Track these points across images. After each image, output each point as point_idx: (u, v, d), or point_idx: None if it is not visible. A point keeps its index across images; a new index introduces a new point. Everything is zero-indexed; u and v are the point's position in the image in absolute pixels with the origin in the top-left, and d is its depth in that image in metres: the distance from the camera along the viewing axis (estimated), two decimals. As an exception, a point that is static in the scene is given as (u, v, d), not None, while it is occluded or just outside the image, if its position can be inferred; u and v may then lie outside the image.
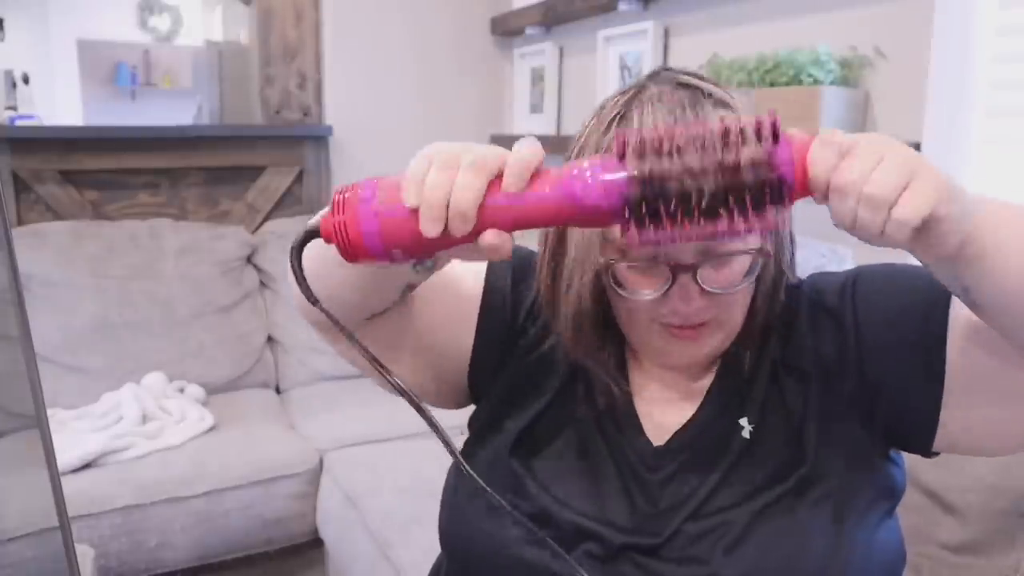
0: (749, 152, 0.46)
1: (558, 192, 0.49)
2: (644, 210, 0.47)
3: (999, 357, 0.58)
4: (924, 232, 0.46)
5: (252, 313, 2.23)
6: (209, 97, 4.13)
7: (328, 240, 0.52)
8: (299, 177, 2.53)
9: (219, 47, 4.08)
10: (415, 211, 0.49)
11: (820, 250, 1.39)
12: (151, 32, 6.56)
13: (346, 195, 0.51)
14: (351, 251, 0.51)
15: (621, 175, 0.48)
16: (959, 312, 0.60)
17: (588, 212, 0.49)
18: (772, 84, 1.51)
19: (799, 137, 0.48)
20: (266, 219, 2.48)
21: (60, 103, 5.73)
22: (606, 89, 2.18)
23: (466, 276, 0.74)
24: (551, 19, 2.38)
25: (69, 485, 1.26)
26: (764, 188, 0.46)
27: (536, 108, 2.58)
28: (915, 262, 0.55)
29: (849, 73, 1.47)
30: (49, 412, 1.82)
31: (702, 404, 0.68)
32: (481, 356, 0.74)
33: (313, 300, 0.54)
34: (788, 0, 1.64)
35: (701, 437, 0.67)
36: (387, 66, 2.61)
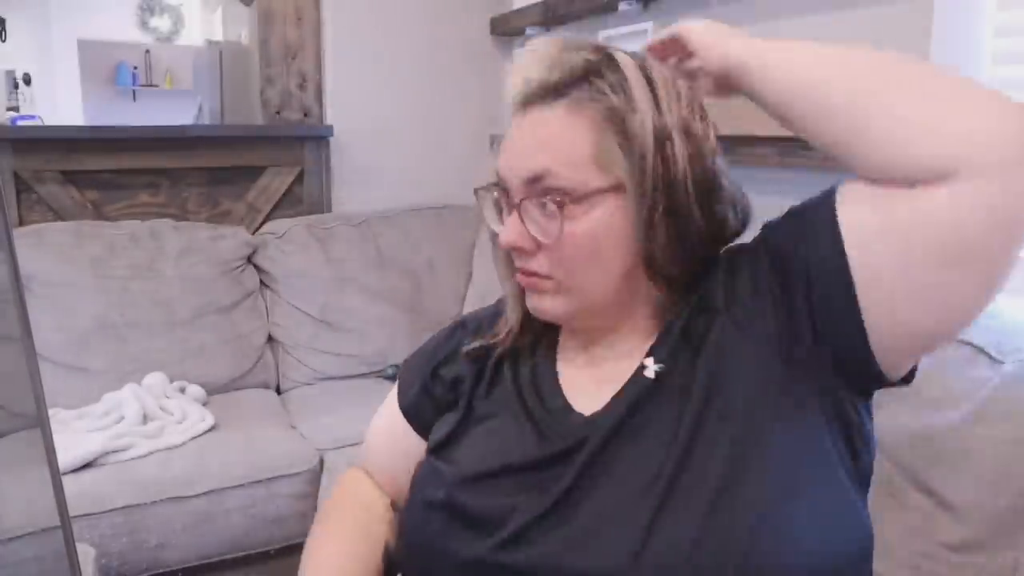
0: None
1: None
2: None
3: (899, 256, 0.57)
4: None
5: (252, 313, 2.23)
6: (209, 97, 4.13)
7: None
8: (299, 177, 2.54)
9: (220, 47, 4.09)
10: None
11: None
12: (152, 32, 6.57)
13: None
14: None
15: None
16: (849, 218, 0.60)
17: None
18: (772, 84, 1.51)
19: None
20: (266, 219, 2.49)
21: (61, 103, 5.74)
22: (606, 89, 2.18)
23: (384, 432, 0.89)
24: (551, 19, 2.38)
25: (70, 485, 1.26)
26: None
27: (536, 108, 2.58)
28: None
29: (849, 73, 1.47)
30: (50, 412, 1.82)
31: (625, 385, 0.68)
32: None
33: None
34: (788, 0, 1.65)
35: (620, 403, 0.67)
36: (387, 66, 2.61)
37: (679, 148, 0.64)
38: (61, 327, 1.98)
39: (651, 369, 0.66)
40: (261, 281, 2.30)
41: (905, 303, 0.58)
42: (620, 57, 0.67)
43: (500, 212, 0.72)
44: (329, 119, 2.56)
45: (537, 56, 0.66)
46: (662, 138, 0.64)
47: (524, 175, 0.66)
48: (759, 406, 0.61)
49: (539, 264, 0.67)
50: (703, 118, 0.68)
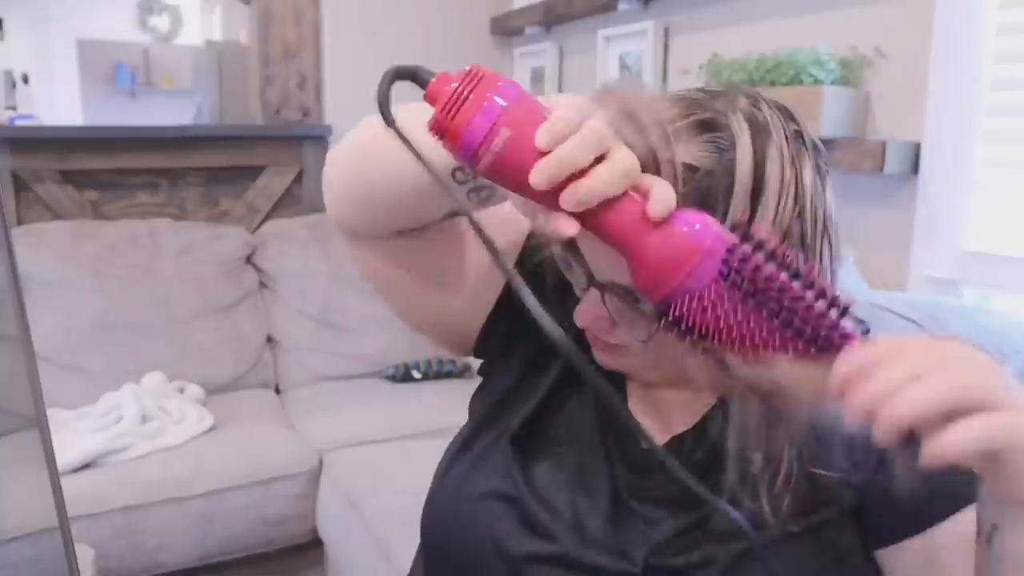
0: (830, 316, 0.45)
1: (663, 226, 0.46)
2: (733, 273, 0.45)
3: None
4: (995, 465, 0.41)
5: (252, 313, 2.23)
6: (209, 97, 4.13)
7: (431, 101, 0.47)
8: (299, 177, 2.53)
9: (219, 47, 4.08)
10: (538, 153, 0.44)
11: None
12: (151, 32, 6.56)
13: (483, 76, 0.46)
14: (446, 127, 0.46)
15: (724, 242, 0.46)
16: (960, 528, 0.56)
17: (677, 254, 0.46)
18: (772, 84, 1.51)
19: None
20: (266, 219, 2.48)
21: (60, 103, 5.73)
22: (606, 89, 2.18)
23: (506, 234, 0.70)
24: (551, 19, 2.38)
25: (69, 485, 1.26)
26: (819, 346, 0.45)
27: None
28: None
29: (849, 73, 1.47)
30: (49, 412, 1.81)
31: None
32: (498, 320, 0.71)
33: (390, 121, 0.48)
34: (788, 0, 1.64)
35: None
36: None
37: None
38: (60, 327, 1.98)
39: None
40: (260, 281, 2.30)
41: None
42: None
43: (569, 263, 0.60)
44: (328, 118, 2.56)
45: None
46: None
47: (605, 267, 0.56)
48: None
49: (620, 338, 0.59)
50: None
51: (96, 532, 1.55)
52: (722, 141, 0.52)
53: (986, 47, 1.30)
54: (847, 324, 0.45)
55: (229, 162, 2.44)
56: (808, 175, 0.54)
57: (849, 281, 1.37)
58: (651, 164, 0.50)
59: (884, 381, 0.40)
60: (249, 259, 2.29)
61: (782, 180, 0.52)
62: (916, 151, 1.39)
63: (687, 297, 0.46)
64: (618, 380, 0.67)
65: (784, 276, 0.45)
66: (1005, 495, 0.43)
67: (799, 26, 1.62)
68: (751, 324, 0.46)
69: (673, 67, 1.98)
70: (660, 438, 0.64)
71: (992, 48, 1.30)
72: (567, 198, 0.44)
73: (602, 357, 0.63)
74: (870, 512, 0.60)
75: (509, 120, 0.45)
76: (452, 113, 0.45)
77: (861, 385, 0.41)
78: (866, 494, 0.60)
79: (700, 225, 0.47)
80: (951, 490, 0.57)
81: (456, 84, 0.46)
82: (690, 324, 0.46)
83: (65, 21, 5.87)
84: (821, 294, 0.46)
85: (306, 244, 2.31)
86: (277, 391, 2.23)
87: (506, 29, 2.65)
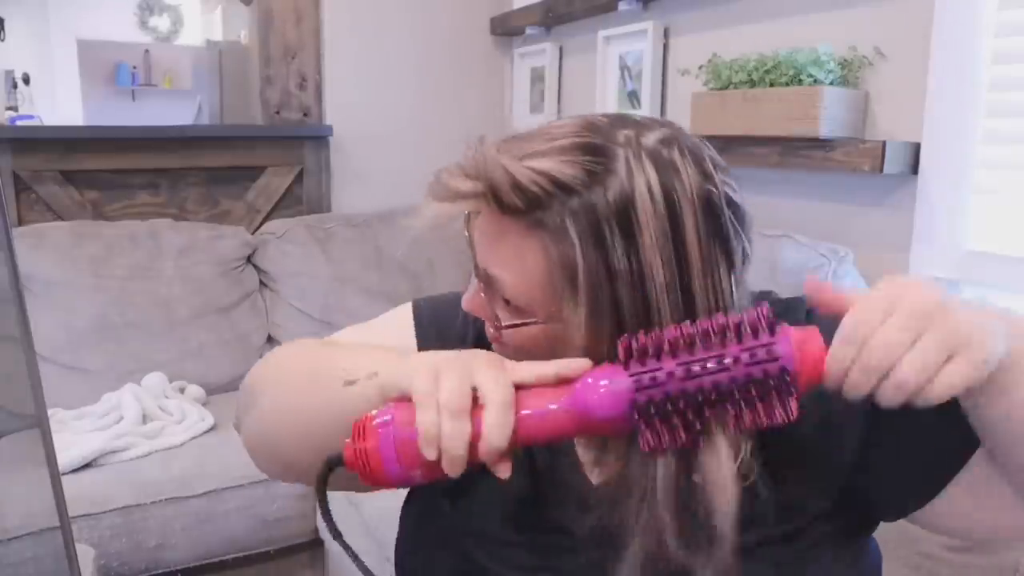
0: (748, 347, 0.48)
1: (569, 409, 0.52)
2: (653, 412, 0.50)
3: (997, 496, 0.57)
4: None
5: (252, 313, 2.23)
6: (209, 97, 4.14)
7: (351, 468, 0.54)
8: (299, 177, 2.53)
9: (219, 47, 4.09)
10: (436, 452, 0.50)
11: (820, 249, 1.39)
12: (151, 32, 6.56)
13: (367, 422, 0.53)
14: (372, 478, 0.53)
15: (626, 384, 0.50)
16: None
17: (600, 423, 0.51)
18: (772, 84, 1.51)
19: (795, 331, 0.49)
20: (266, 219, 2.48)
21: (60, 103, 5.73)
22: (606, 89, 2.18)
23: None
24: (551, 19, 2.38)
25: (69, 485, 1.26)
26: (768, 382, 0.48)
27: (536, 108, 2.58)
28: None
29: (849, 73, 1.47)
30: (49, 412, 1.81)
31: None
32: None
33: (335, 534, 0.59)
34: (788, 0, 1.64)
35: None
36: (387, 66, 2.61)
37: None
38: (61, 327, 1.98)
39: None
40: (261, 281, 2.30)
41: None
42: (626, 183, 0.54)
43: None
44: (329, 119, 2.56)
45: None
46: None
47: (482, 265, 0.60)
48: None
49: (491, 328, 0.63)
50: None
51: (96, 531, 1.55)
52: (596, 166, 0.54)
53: (985, 48, 1.31)
54: (768, 340, 0.49)
55: (229, 162, 2.44)
56: (685, 192, 0.54)
57: (849, 281, 1.37)
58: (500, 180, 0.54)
59: (878, 356, 0.45)
60: (249, 259, 2.29)
61: (653, 205, 0.53)
62: (916, 151, 1.39)
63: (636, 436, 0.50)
64: None
65: (690, 370, 0.49)
66: (981, 399, 0.49)
67: (799, 26, 1.62)
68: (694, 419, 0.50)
69: (673, 67, 1.98)
70: (603, 473, 0.65)
71: (991, 49, 1.30)
72: (486, 459, 0.50)
73: (496, 348, 0.64)
74: (874, 488, 0.60)
75: (400, 439, 0.51)
76: (366, 468, 0.53)
77: (858, 362, 0.46)
78: (863, 474, 0.60)
79: (596, 386, 0.51)
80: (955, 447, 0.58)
81: (354, 443, 0.53)
82: (657, 445, 0.51)
83: (65, 21, 5.87)
84: (733, 332, 0.49)
85: (306, 244, 2.31)
86: (277, 391, 2.23)
87: (506, 29, 2.65)
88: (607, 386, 0.50)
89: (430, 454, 0.50)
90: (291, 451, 0.65)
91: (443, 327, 0.73)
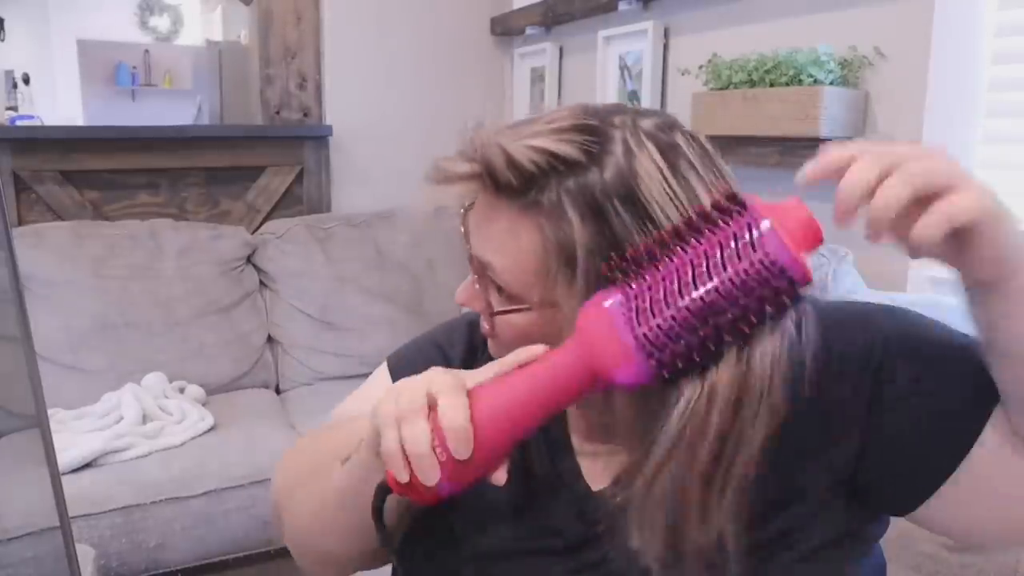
0: (744, 267, 0.46)
1: (547, 361, 0.51)
2: (671, 362, 0.48)
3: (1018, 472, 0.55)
4: (961, 245, 0.46)
5: (252, 313, 2.23)
6: (209, 97, 4.14)
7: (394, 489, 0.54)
8: (299, 177, 2.53)
9: (219, 47, 4.09)
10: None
11: (820, 249, 1.39)
12: (151, 32, 6.57)
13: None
14: (418, 495, 0.53)
15: (617, 299, 0.49)
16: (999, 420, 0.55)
17: (620, 381, 0.49)
18: (772, 84, 1.51)
19: (778, 207, 0.48)
20: (266, 219, 2.49)
21: (60, 103, 5.74)
22: (606, 89, 2.18)
23: None
24: (551, 19, 2.38)
25: (69, 485, 1.26)
26: (775, 294, 0.46)
27: (536, 108, 2.58)
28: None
29: (849, 73, 1.47)
30: (49, 412, 1.82)
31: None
32: None
33: (391, 547, 0.59)
34: (788, 0, 1.64)
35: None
36: (387, 66, 2.61)
37: None
38: (61, 327, 1.98)
39: None
40: (261, 281, 2.30)
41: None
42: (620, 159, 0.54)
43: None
44: (328, 119, 2.56)
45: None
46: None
47: (476, 253, 0.61)
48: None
49: (487, 322, 0.63)
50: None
51: (96, 531, 1.55)
52: (593, 146, 0.54)
53: (985, 48, 1.31)
54: (744, 217, 0.47)
55: (229, 162, 2.44)
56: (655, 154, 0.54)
57: (849, 281, 1.37)
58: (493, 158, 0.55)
59: (858, 177, 0.45)
60: (249, 259, 2.29)
61: (663, 178, 0.53)
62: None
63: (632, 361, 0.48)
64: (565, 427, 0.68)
65: (672, 268, 0.47)
66: (979, 276, 0.48)
67: (799, 26, 1.62)
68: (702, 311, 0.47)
69: (673, 67, 1.98)
70: (604, 479, 0.64)
71: (991, 49, 1.30)
72: (457, 454, 0.51)
73: (491, 346, 0.65)
74: (880, 471, 0.59)
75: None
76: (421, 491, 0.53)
77: (841, 184, 0.45)
78: (869, 452, 0.59)
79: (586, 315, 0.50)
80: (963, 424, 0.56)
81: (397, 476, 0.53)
82: (669, 367, 0.48)
83: (65, 21, 5.88)
84: (707, 223, 0.47)
85: (306, 244, 2.31)
86: (277, 391, 2.23)
87: (506, 29, 2.65)
88: (594, 310, 0.50)
89: (401, 476, 0.50)
90: (329, 546, 0.66)
91: (419, 367, 0.72)
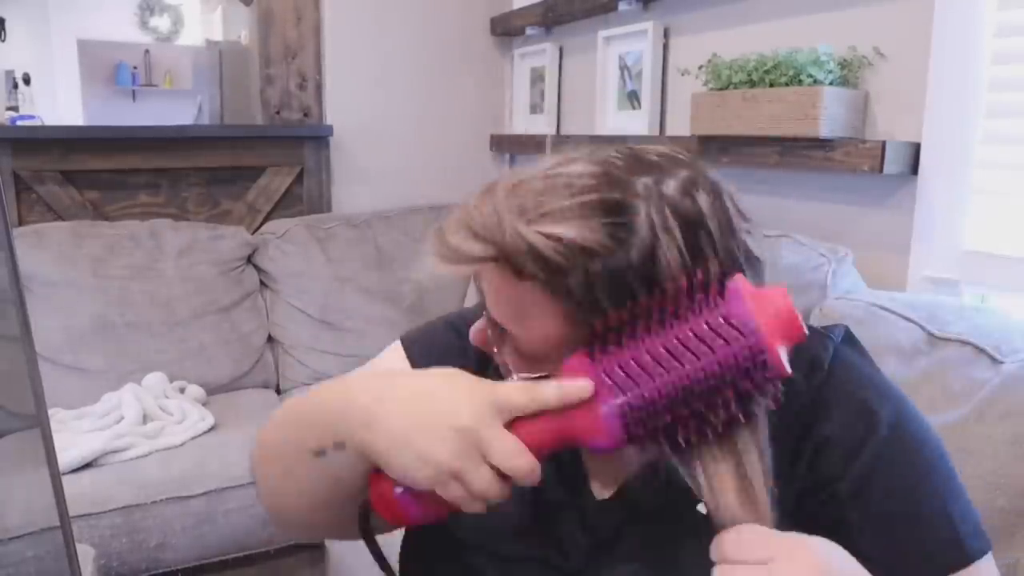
0: (720, 357, 0.49)
1: (559, 434, 0.53)
2: (645, 431, 0.51)
3: None
4: None
5: (252, 313, 2.23)
6: (209, 97, 4.13)
7: (376, 509, 0.58)
8: (299, 177, 2.54)
9: (219, 47, 4.08)
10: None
11: (820, 249, 1.39)
12: (151, 32, 6.57)
13: (388, 495, 0.56)
14: (399, 518, 0.58)
15: (615, 415, 0.51)
16: None
17: (592, 446, 0.53)
18: (772, 84, 1.51)
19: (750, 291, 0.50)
20: (266, 219, 2.49)
21: (61, 103, 5.73)
22: (606, 89, 2.18)
23: None
24: (551, 19, 2.38)
25: (70, 485, 1.26)
26: (750, 373, 0.49)
27: (536, 108, 2.58)
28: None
29: (849, 73, 1.47)
30: (50, 412, 1.82)
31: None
32: None
33: (390, 572, 0.64)
34: (788, 0, 1.64)
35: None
36: (387, 66, 2.61)
37: None
38: (61, 327, 1.98)
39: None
40: (261, 281, 2.30)
41: None
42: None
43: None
44: (329, 119, 2.56)
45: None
46: None
47: (495, 317, 0.58)
48: None
49: (499, 359, 0.61)
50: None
51: (97, 531, 1.55)
52: (618, 229, 0.52)
53: (985, 48, 1.31)
54: (722, 300, 0.50)
55: (229, 162, 2.44)
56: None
57: (849, 281, 1.37)
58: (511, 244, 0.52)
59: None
60: (249, 259, 2.29)
61: (682, 263, 0.52)
62: (916, 151, 1.39)
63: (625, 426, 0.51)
64: None
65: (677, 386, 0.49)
66: None
67: (799, 26, 1.62)
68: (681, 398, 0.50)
69: (673, 67, 1.98)
70: (611, 487, 0.64)
71: (991, 49, 1.30)
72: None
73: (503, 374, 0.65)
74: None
75: (422, 501, 0.56)
76: (396, 514, 0.58)
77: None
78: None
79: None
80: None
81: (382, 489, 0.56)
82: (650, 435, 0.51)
83: (65, 21, 5.87)
84: (686, 295, 0.50)
85: (306, 244, 2.31)
86: (277, 391, 2.24)
87: (506, 29, 2.65)
88: (598, 417, 0.51)
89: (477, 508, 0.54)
90: (304, 519, 0.68)
91: (440, 359, 0.70)
